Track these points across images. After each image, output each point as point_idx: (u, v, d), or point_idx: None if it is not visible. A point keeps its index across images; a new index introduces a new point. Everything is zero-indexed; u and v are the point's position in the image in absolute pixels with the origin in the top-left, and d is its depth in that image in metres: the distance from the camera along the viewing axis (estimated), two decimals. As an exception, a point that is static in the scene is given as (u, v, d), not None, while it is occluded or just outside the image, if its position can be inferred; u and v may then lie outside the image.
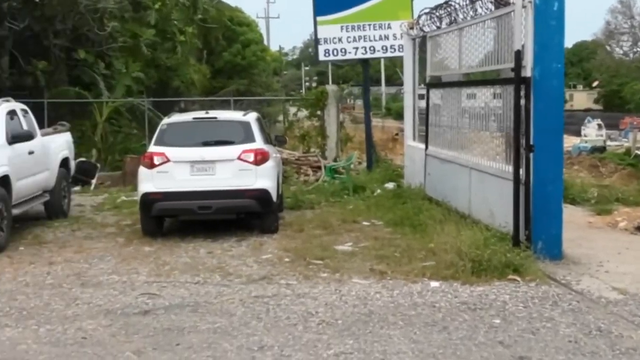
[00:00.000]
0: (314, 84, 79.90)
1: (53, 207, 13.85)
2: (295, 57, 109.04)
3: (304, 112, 22.19)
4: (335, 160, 20.05)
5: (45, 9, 21.33)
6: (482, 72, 12.42)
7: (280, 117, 28.56)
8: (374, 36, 18.17)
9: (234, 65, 46.48)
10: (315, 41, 18.74)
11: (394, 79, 75.19)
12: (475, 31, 12.16)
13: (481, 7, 11.93)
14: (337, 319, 7.63)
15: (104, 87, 22.75)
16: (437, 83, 14.61)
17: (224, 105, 26.50)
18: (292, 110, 23.41)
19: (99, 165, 19.71)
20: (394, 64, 68.97)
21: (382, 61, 63.28)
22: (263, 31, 63.42)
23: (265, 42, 60.61)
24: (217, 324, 7.52)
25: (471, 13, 12.35)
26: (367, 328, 7.34)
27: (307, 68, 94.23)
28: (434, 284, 8.88)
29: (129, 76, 23.42)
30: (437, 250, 9.98)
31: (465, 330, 7.23)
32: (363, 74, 20.38)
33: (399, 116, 50.88)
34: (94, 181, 19.14)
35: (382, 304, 8.16)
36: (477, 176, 11.78)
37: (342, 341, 6.96)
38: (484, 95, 12.15)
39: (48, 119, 19.66)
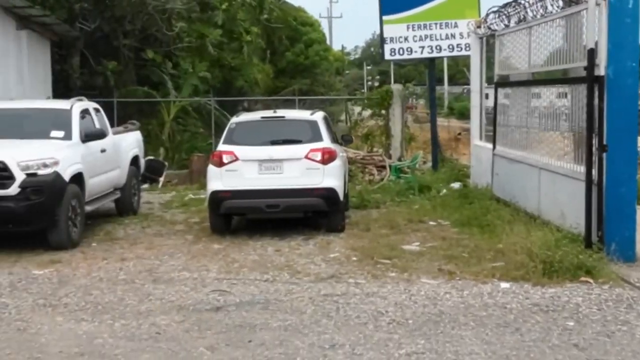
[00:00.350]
0: (376, 84, 79.77)
1: (123, 205, 14.11)
2: (357, 56, 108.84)
3: (367, 112, 22.20)
4: (399, 159, 20.00)
5: (115, 10, 21.76)
6: (552, 70, 12.24)
7: (343, 117, 28.61)
8: (440, 35, 18.07)
9: (296, 65, 46.64)
10: (381, 40, 18.72)
11: (457, 79, 74.57)
12: (545, 29, 12.00)
13: (552, 5, 11.76)
14: (408, 319, 7.61)
15: (172, 86, 23.06)
16: (505, 82, 14.46)
17: (287, 104, 26.66)
18: (357, 109, 23.42)
19: (166, 163, 20.00)
20: (457, 64, 68.43)
21: (445, 60, 62.77)
22: (326, 31, 63.62)
23: (328, 42, 60.70)
24: (288, 322, 7.57)
25: (541, 11, 12.19)
26: (438, 328, 7.31)
27: (369, 67, 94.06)
28: (504, 284, 8.79)
29: (196, 76, 23.69)
30: (507, 251, 9.88)
31: (538, 332, 7.14)
32: (428, 73, 20.30)
33: (462, 116, 50.45)
34: (161, 179, 19.44)
35: (452, 304, 8.12)
36: (547, 176, 11.62)
37: (414, 341, 6.95)
38: (554, 94, 11.99)
39: (117, 118, 20.05)
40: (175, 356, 6.67)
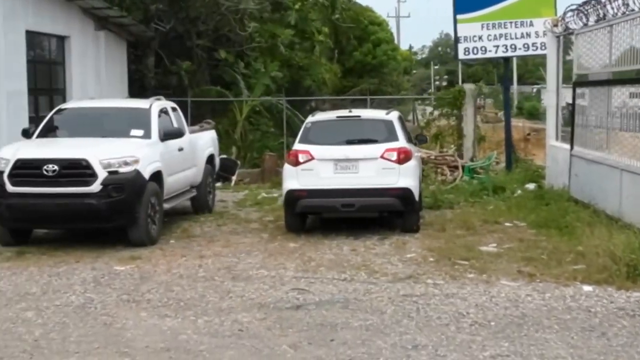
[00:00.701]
0: (444, 83, 79.16)
1: (199, 203, 14.30)
2: (424, 56, 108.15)
3: (435, 112, 22.07)
4: (471, 159, 19.81)
5: (189, 10, 22.09)
6: (634, 70, 11.97)
7: (410, 117, 28.49)
8: (515, 34, 17.83)
9: (364, 65, 46.55)
10: (455, 39, 18.56)
11: (526, 78, 73.49)
12: (627, 27, 11.73)
13: (634, 3, 11.50)
14: (490, 321, 7.53)
15: (244, 86, 23.28)
16: (584, 82, 14.19)
17: (355, 104, 26.67)
18: (428, 109, 23.28)
19: (239, 162, 20.21)
20: (526, 63, 67.44)
21: (515, 60, 61.95)
22: (393, 30, 63.31)
23: (396, 41, 60.45)
24: (369, 321, 7.57)
25: (622, 9, 11.94)
26: (521, 331, 7.22)
27: (436, 67, 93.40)
28: (587, 288, 8.63)
29: (268, 75, 23.87)
30: (587, 254, 9.71)
31: (625, 337, 6.99)
32: (503, 73, 20.08)
33: (531, 116, 49.70)
34: (234, 178, 19.64)
35: (535, 306, 8.00)
36: (629, 178, 11.36)
37: (497, 343, 6.87)
38: (636, 94, 11.71)
39: (191, 117, 20.33)
40: (259, 354, 6.72)
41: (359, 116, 13.02)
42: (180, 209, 14.15)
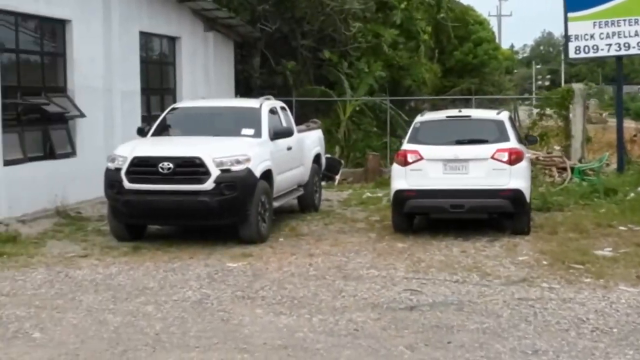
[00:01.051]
0: (546, 83, 77.53)
1: (306, 201, 14.42)
2: (525, 55, 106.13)
3: (535, 112, 21.64)
4: (579, 161, 19.31)
5: (295, 11, 22.29)
6: None
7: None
8: (629, 32, 17.25)
9: (465, 64, 46.00)
10: (566, 38, 18.10)
11: (631, 78, 71.20)
12: None
13: None
14: (612, 327, 7.32)
15: (347, 86, 23.34)
16: None
17: (456, 104, 26.43)
18: (535, 110, 22.83)
19: (342, 161, 20.28)
20: (632, 62, 65.31)
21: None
22: (495, 29, 62.39)
23: (497, 41, 59.51)
24: (485, 324, 7.46)
25: None
26: (646, 339, 6.99)
27: (538, 66, 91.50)
28: None
29: (372, 75, 23.86)
30: None
31: None
32: (617, 72, 19.45)
33: (638, 116, 48.12)
34: (337, 177, 19.72)
35: (658, 314, 7.74)
36: None
37: (622, 351, 6.67)
38: None
39: (295, 116, 20.48)
40: (376, 354, 6.71)
41: (469, 116, 12.87)
42: (287, 208, 14.29)
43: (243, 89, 21.73)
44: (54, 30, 14.68)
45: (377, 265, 10.14)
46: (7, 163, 12.84)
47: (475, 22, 47.78)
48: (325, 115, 22.76)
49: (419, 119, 12.83)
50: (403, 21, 23.98)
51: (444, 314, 7.84)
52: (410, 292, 8.72)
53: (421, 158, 11.97)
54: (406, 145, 12.29)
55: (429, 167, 11.94)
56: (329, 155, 19.48)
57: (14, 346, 6.98)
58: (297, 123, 17.18)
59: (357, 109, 23.86)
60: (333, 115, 23.12)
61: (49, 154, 14.18)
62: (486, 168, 11.79)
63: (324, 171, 17.51)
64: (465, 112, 13.27)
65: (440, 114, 13.42)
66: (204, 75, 19.47)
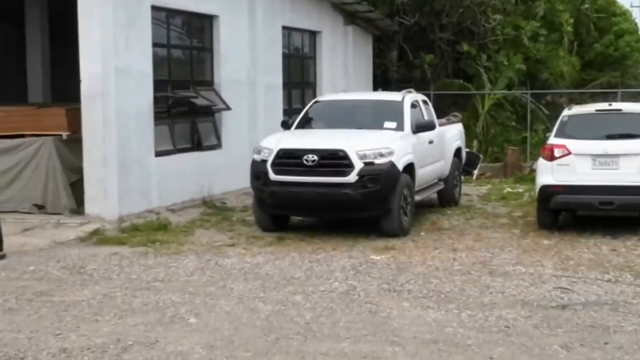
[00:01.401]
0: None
1: (446, 195, 14.32)
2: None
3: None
4: None
5: (434, 4, 22.13)
6: None
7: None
8: None
9: (605, 57, 44.39)
10: None
11: None
12: None
13: None
14: None
15: (486, 79, 22.99)
16: None
17: (595, 97, 25.52)
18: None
19: (481, 156, 19.97)
20: None
21: None
22: (638, 21, 59.77)
23: (640, 32, 57.05)
24: (644, 326, 7.20)
25: None
26: None
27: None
28: None
29: (512, 68, 23.39)
30: None
31: None
32: None
33: None
34: (475, 171, 19.40)
35: None
36: None
37: None
38: None
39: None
40: (529, 352, 6.58)
41: (620, 110, 12.42)
42: (426, 202, 14.21)
43: (380, 82, 21.75)
44: (202, 25, 15.14)
45: (524, 262, 9.94)
46: (158, 154, 13.34)
47: (616, 14, 46.07)
48: (463, 109, 22.45)
49: (566, 112, 12.48)
50: (546, 13, 23.37)
51: (598, 314, 7.60)
52: (560, 290, 8.50)
53: (569, 153, 11.64)
54: (553, 140, 11.98)
55: (577, 162, 11.61)
56: (467, 150, 19.25)
57: (172, 330, 7.25)
58: (437, 116, 17.10)
59: (503, 101, 23.47)
60: (471, 109, 22.83)
61: (197, 145, 14.64)
62: (638, 164, 11.36)
63: (463, 165, 17.33)
64: (616, 105, 12.82)
65: (589, 108, 13.02)
66: (343, 68, 19.62)
